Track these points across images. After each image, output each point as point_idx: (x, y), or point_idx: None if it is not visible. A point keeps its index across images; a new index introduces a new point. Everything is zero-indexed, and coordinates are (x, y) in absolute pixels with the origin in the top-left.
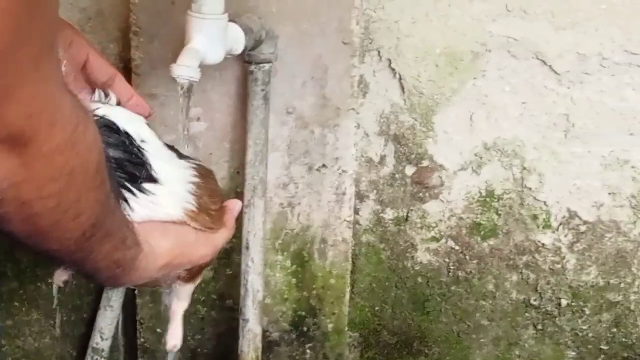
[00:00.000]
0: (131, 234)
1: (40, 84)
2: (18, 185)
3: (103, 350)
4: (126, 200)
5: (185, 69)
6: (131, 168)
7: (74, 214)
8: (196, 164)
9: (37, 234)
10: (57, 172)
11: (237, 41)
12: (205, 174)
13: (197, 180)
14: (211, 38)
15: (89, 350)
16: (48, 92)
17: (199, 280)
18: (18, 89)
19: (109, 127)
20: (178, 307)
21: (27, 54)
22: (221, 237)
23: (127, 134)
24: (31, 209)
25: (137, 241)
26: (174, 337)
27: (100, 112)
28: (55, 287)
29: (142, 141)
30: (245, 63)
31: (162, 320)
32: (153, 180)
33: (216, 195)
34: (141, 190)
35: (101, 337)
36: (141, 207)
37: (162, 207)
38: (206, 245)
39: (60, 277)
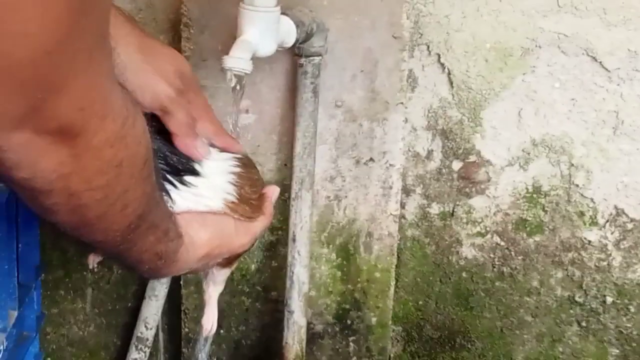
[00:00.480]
0: (173, 226)
1: (92, 76)
2: (67, 176)
3: (147, 340)
4: (167, 192)
5: (237, 61)
6: (173, 160)
7: (120, 206)
8: (237, 155)
9: (83, 225)
10: (105, 164)
11: (289, 34)
12: (246, 163)
13: (238, 170)
14: (263, 30)
15: (133, 339)
16: (100, 85)
17: (234, 265)
18: (71, 80)
19: (152, 117)
20: (213, 291)
21: (81, 46)
22: (259, 225)
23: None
24: (79, 200)
25: (179, 233)
26: (209, 321)
27: None
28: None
29: None
30: (295, 56)
31: None
32: (194, 172)
33: (257, 184)
34: (183, 183)
35: (145, 327)
36: (182, 199)
37: (203, 198)
38: (245, 234)
39: (94, 259)
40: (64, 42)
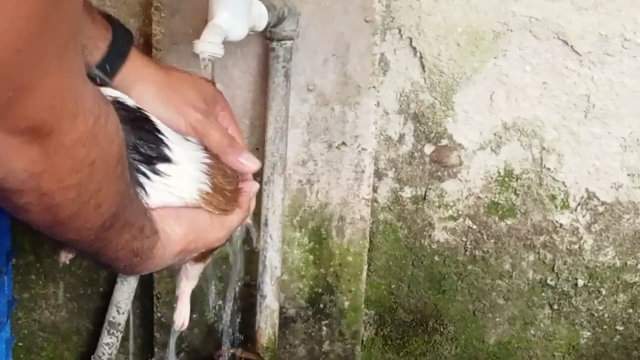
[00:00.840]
0: (149, 222)
1: (63, 74)
2: (38, 176)
3: (119, 324)
4: (142, 186)
5: (208, 45)
6: (145, 148)
7: (94, 205)
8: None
9: (57, 224)
10: (77, 163)
11: (260, 17)
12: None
13: (209, 160)
14: (235, 14)
15: (105, 324)
16: (71, 83)
17: (208, 260)
18: (42, 79)
19: (120, 105)
20: (186, 286)
21: (51, 44)
22: (235, 219)
23: (139, 111)
24: (51, 200)
25: (155, 229)
26: (181, 316)
27: (113, 94)
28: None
29: (152, 119)
30: (267, 39)
31: None
32: (166, 159)
33: (230, 175)
34: (155, 172)
35: (117, 311)
36: (156, 191)
37: (176, 189)
38: (220, 228)
39: (67, 255)
40: (35, 40)
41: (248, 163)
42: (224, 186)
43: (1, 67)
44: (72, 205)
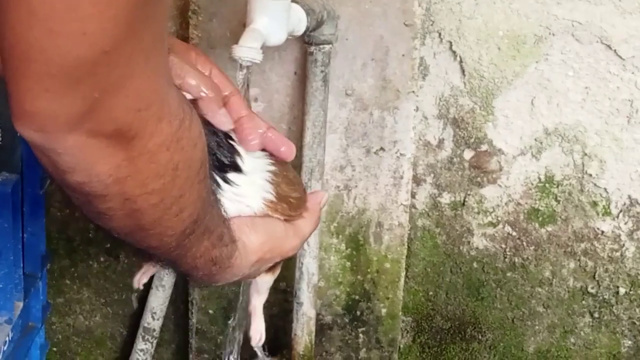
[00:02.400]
0: (227, 231)
1: (149, 77)
2: (122, 180)
3: (154, 330)
4: (215, 194)
5: (247, 50)
6: (220, 155)
7: (176, 210)
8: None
9: (138, 230)
10: (161, 167)
11: (299, 22)
12: (280, 160)
13: (273, 168)
14: (273, 19)
15: (140, 330)
16: (157, 86)
17: (277, 272)
18: (128, 80)
19: None
20: (257, 301)
21: (139, 46)
22: (308, 226)
23: None
24: (134, 205)
25: (233, 237)
26: (257, 332)
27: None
28: (134, 297)
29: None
30: (305, 44)
31: (214, 301)
32: (237, 168)
33: (294, 182)
34: (226, 181)
35: (152, 317)
36: (229, 200)
37: (245, 198)
38: (295, 236)
39: (141, 279)
40: (122, 41)
41: (225, 119)
42: (288, 194)
43: (87, 68)
44: (154, 211)
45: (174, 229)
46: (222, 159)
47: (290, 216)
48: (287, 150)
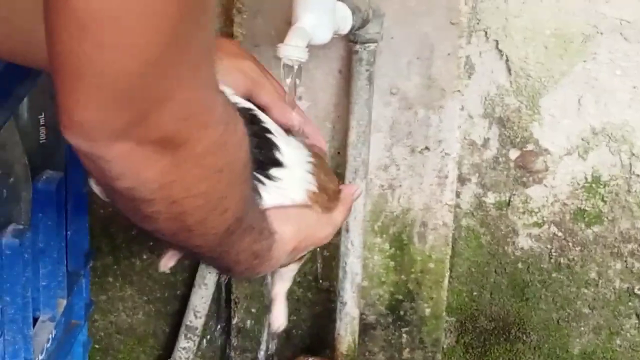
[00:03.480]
0: (267, 224)
1: (197, 87)
2: (169, 185)
3: (196, 329)
4: (256, 190)
5: (292, 49)
6: (259, 154)
7: (220, 210)
8: (305, 142)
9: (183, 231)
10: (207, 171)
11: (345, 20)
12: (317, 152)
13: (313, 159)
14: (319, 17)
15: (182, 328)
16: (204, 95)
17: (302, 261)
18: (176, 91)
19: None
20: (281, 288)
21: (185, 57)
22: (340, 216)
23: (250, 111)
24: (180, 208)
25: (272, 230)
26: (279, 318)
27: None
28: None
29: (262, 118)
30: (350, 42)
31: (257, 300)
32: (278, 163)
33: (330, 172)
34: (269, 177)
35: (195, 315)
36: (269, 194)
37: (287, 191)
38: (327, 225)
39: (167, 263)
40: (169, 53)
41: (295, 117)
42: (327, 184)
43: (135, 80)
44: (199, 212)
45: (218, 228)
46: (261, 158)
47: (328, 208)
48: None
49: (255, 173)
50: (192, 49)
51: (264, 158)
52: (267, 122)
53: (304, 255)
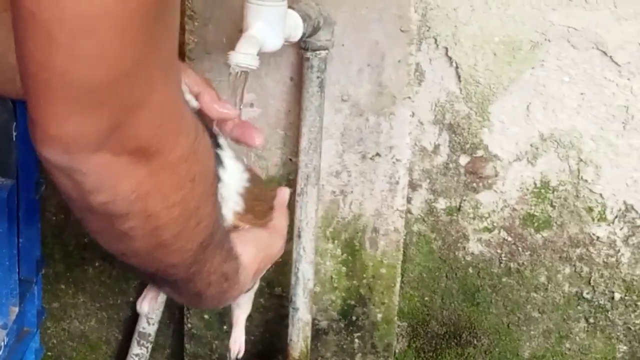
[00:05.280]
0: (232, 245)
1: (168, 92)
2: (145, 196)
3: (149, 335)
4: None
5: (243, 57)
6: None
7: (195, 222)
8: (248, 167)
9: (159, 247)
10: (181, 179)
11: (296, 28)
12: (255, 178)
13: (248, 184)
14: (270, 25)
15: (135, 335)
16: (174, 100)
17: (257, 285)
18: (149, 97)
19: None
20: (240, 314)
21: (157, 64)
22: (281, 223)
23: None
24: (156, 221)
25: (236, 252)
26: (236, 343)
27: None
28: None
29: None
30: (301, 49)
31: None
32: (218, 179)
33: (262, 197)
34: None
35: (148, 322)
36: None
37: None
38: (278, 238)
39: (145, 306)
40: (142, 61)
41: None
42: (255, 206)
43: (109, 89)
44: (175, 225)
45: (193, 242)
46: None
47: (257, 224)
48: (259, 140)
49: None
50: (162, 55)
51: None
52: (220, 137)
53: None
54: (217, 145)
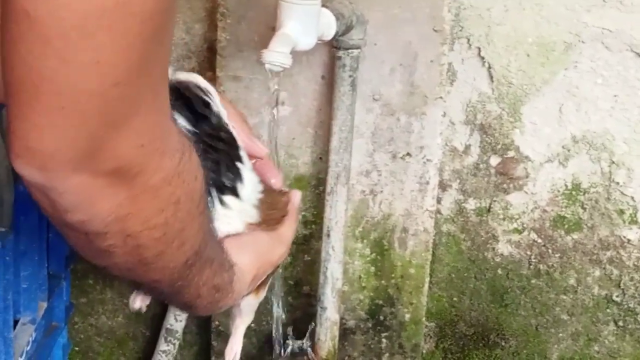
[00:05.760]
0: (226, 256)
1: (155, 112)
2: (124, 218)
3: (177, 332)
4: (211, 219)
5: (276, 55)
6: (224, 176)
7: (178, 243)
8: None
9: (140, 265)
10: (163, 202)
11: (329, 27)
12: (268, 188)
13: (262, 195)
14: (303, 24)
15: (163, 331)
16: (161, 121)
17: (262, 295)
18: (134, 116)
19: (213, 119)
20: (241, 322)
21: (148, 80)
22: (289, 231)
23: (227, 130)
24: (136, 241)
25: (231, 262)
26: (232, 351)
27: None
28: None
29: (238, 143)
30: (333, 48)
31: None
32: (236, 194)
33: (276, 206)
34: (222, 203)
35: (175, 318)
36: (218, 221)
37: (231, 220)
38: (280, 244)
39: (143, 300)
40: (134, 74)
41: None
42: (270, 217)
43: (97, 100)
44: (157, 245)
45: (176, 261)
46: (224, 180)
47: (267, 230)
48: (275, 183)
49: (212, 191)
50: (154, 73)
51: (226, 181)
52: (242, 150)
53: (262, 290)
54: (239, 158)
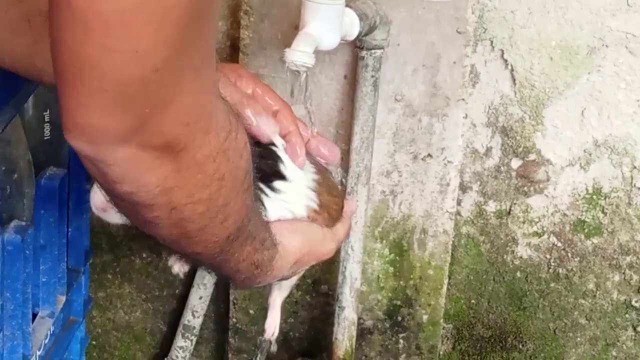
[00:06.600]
0: (269, 235)
1: (199, 92)
2: (169, 190)
3: (194, 328)
4: (260, 200)
5: (299, 54)
6: (264, 165)
7: (221, 218)
8: (312, 160)
9: (183, 237)
10: (208, 178)
11: (352, 26)
12: (322, 169)
13: (317, 176)
14: (327, 23)
15: (180, 327)
16: (205, 101)
17: (302, 273)
18: (178, 97)
19: None
20: (278, 296)
21: (189, 63)
22: (343, 232)
23: None
24: (181, 214)
25: (274, 241)
26: (272, 325)
27: None
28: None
29: None
30: (356, 48)
31: (255, 301)
32: (282, 177)
33: (335, 192)
34: (272, 189)
35: (193, 315)
36: (273, 207)
37: (289, 205)
38: (332, 241)
39: (181, 267)
40: (173, 60)
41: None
42: (330, 204)
43: (139, 85)
44: (200, 219)
45: (219, 235)
46: (265, 169)
47: (329, 226)
48: (331, 154)
49: (259, 183)
50: (196, 56)
51: (268, 169)
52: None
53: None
54: (272, 143)
